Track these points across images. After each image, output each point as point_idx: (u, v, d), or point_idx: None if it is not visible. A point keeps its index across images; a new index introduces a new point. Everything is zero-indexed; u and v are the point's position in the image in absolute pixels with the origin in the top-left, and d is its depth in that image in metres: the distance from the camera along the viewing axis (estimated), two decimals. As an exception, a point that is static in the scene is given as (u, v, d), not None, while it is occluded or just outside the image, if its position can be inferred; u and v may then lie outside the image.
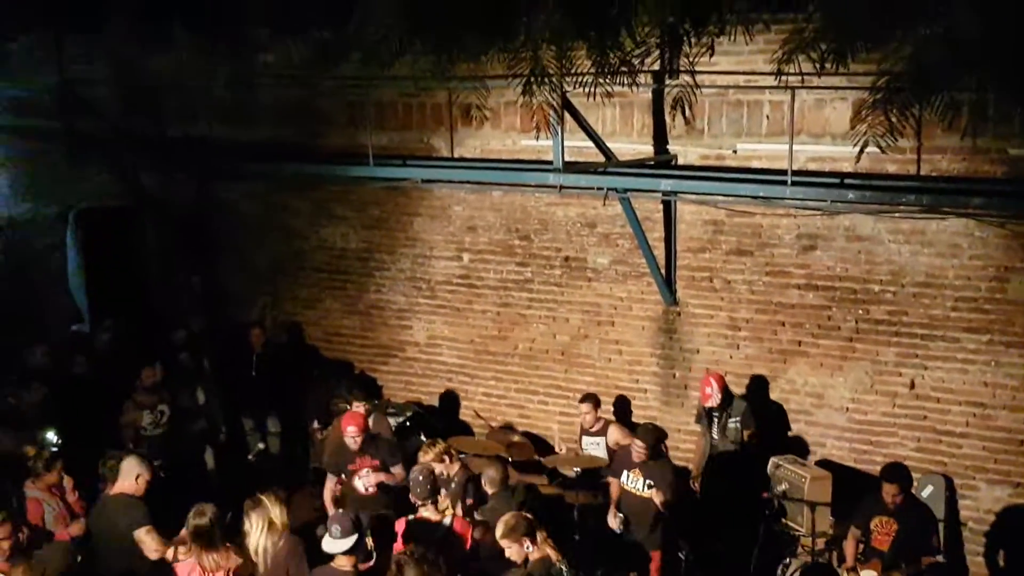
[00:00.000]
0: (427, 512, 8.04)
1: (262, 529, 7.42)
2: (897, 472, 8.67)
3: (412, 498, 8.11)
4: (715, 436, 9.90)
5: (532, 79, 6.99)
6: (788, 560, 9.72)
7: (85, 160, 12.92)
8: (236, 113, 12.28)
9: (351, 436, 9.08)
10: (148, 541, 7.78)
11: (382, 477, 9.10)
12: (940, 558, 8.67)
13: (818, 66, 6.53)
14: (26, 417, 10.31)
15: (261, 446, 10.11)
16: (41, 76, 12.84)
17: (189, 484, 9.72)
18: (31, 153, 13.08)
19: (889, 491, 8.43)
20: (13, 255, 12.90)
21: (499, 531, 7.42)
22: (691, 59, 7.14)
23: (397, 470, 9.17)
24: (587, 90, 7.22)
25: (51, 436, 9.76)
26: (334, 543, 7.14)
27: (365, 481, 9.08)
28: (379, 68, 7.30)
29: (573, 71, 7.55)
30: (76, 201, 13.42)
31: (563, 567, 7.42)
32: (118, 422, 10.56)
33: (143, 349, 11.41)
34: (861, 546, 8.77)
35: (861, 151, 6.64)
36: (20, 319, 12.30)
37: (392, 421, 10.84)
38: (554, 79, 8.44)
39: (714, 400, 9.78)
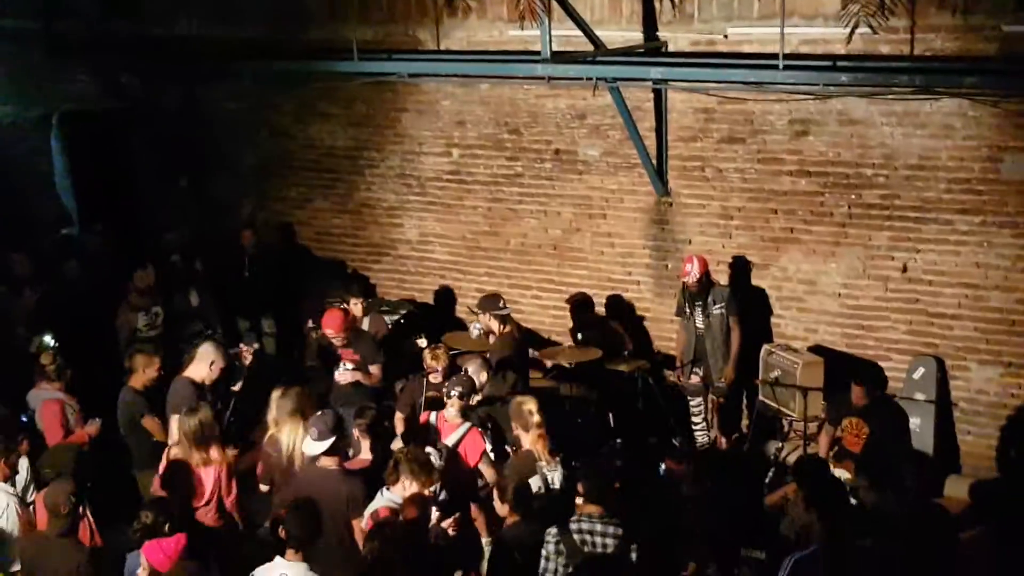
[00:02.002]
0: (452, 410, 8.03)
1: (298, 425, 7.54)
2: (865, 374, 8.80)
3: (450, 391, 8.05)
4: (699, 324, 9.92)
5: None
6: (781, 444, 9.88)
7: (66, 62, 12.70)
8: (218, 11, 12.06)
9: (331, 338, 9.14)
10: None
11: (358, 376, 9.13)
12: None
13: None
14: (18, 323, 10.39)
15: (256, 346, 10.11)
16: (18, -26, 12.54)
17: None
18: (10, 55, 12.82)
19: (858, 392, 8.47)
20: (-3, 159, 12.76)
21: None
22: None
23: (375, 369, 9.24)
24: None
25: (48, 340, 9.79)
26: (313, 445, 7.18)
27: (339, 375, 9.12)
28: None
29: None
30: (58, 104, 13.22)
31: (549, 466, 7.46)
32: (112, 324, 10.62)
33: (134, 252, 11.42)
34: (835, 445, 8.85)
35: (852, 31, 6.53)
36: (7, 224, 12.22)
37: (387, 319, 10.87)
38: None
39: (691, 278, 9.74)
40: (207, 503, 7.58)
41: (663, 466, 8.14)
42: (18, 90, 13.00)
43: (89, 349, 9.88)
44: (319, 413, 7.35)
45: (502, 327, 9.56)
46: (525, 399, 7.75)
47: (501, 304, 9.59)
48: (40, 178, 13.22)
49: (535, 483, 7.47)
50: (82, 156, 13.31)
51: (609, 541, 6.54)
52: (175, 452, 7.65)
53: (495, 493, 7.38)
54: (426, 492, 6.89)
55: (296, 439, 7.55)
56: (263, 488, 7.85)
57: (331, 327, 9.19)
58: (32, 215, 12.76)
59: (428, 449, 7.50)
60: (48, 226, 13.00)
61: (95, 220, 12.79)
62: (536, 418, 7.57)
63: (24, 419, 8.76)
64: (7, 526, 6.97)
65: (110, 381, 9.19)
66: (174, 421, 8.04)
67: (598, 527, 6.57)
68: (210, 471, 7.55)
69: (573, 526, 6.60)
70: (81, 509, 6.59)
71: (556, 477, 7.56)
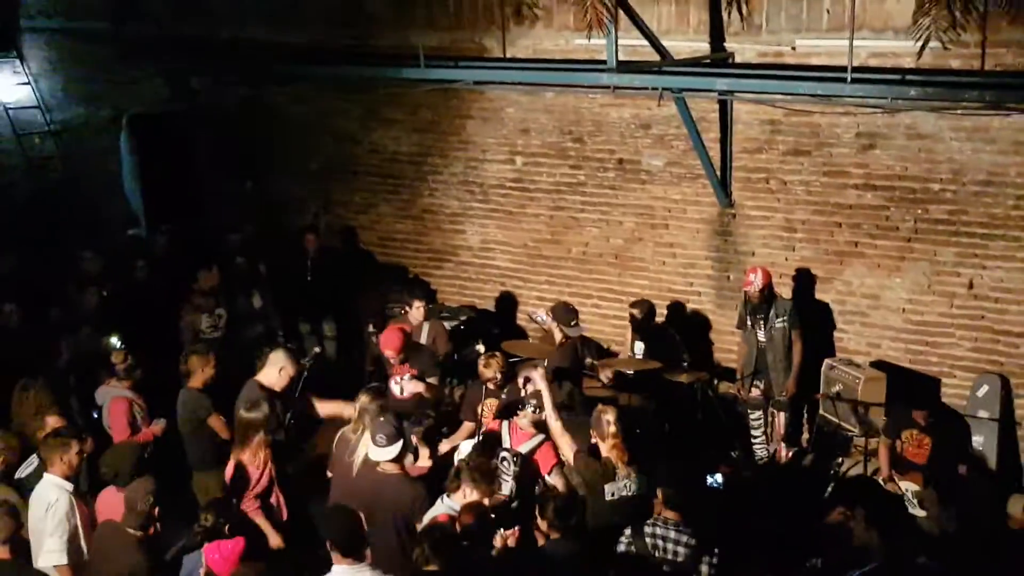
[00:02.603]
0: (526, 420, 8.03)
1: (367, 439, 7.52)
2: (927, 396, 9.10)
3: (526, 403, 8.05)
4: (761, 337, 9.85)
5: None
6: (841, 460, 9.79)
7: (136, 64, 12.93)
8: (285, 14, 12.20)
9: (389, 358, 9.18)
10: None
11: (420, 387, 9.06)
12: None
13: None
14: (82, 321, 10.53)
15: (317, 350, 10.20)
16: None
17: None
18: (82, 56, 13.10)
19: (920, 415, 8.62)
20: (69, 159, 13.00)
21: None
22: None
23: (433, 382, 9.21)
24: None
25: (115, 341, 9.90)
26: (380, 451, 7.17)
27: (403, 385, 9.11)
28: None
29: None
30: (129, 105, 13.46)
31: (624, 475, 7.43)
32: (176, 325, 10.77)
33: (199, 253, 11.53)
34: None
35: (923, 47, 6.45)
36: (77, 223, 12.44)
37: (446, 325, 10.92)
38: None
39: (753, 288, 9.65)
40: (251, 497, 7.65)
41: (717, 479, 8.12)
42: (90, 91, 13.30)
43: (154, 349, 9.89)
44: (382, 419, 7.35)
45: (564, 338, 9.57)
46: (606, 409, 7.70)
47: (573, 323, 9.51)
48: (110, 178, 13.47)
49: (609, 490, 7.48)
50: (150, 157, 13.52)
51: (681, 550, 6.51)
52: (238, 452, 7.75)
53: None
54: (486, 501, 6.89)
55: (362, 448, 7.55)
56: (329, 474, 7.91)
57: (390, 348, 9.13)
58: (101, 215, 13.02)
59: (503, 454, 7.52)
60: (117, 226, 13.24)
61: (162, 221, 12.93)
62: (613, 428, 7.54)
63: (96, 415, 8.95)
64: (54, 519, 7.02)
65: (173, 382, 9.30)
66: None
67: (672, 534, 6.56)
68: (254, 469, 7.62)
69: (647, 529, 6.60)
70: (157, 510, 6.67)
71: (631, 485, 7.51)
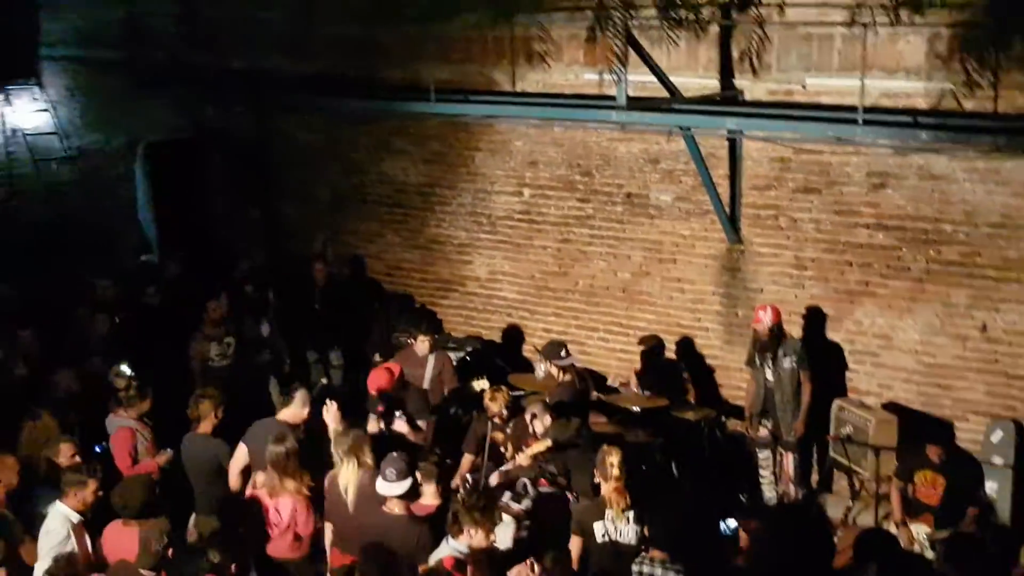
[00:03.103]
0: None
1: (352, 466, 7.51)
2: (942, 432, 8.99)
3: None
4: (769, 376, 9.73)
5: (597, 23, 6.83)
6: (852, 503, 9.68)
7: (150, 92, 12.98)
8: (297, 46, 12.27)
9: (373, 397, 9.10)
10: None
11: (405, 429, 8.95)
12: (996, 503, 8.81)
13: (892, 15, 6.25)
14: (93, 348, 10.52)
15: (324, 380, 10.18)
16: (106, 8, 12.84)
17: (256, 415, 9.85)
18: (99, 85, 13.18)
19: (935, 451, 8.54)
20: (84, 185, 13.07)
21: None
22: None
23: (422, 424, 9.12)
24: (652, 33, 7.00)
25: (124, 368, 9.88)
26: (389, 486, 7.14)
27: (395, 425, 8.97)
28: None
29: (638, 6, 7.38)
30: (143, 133, 13.54)
31: (619, 519, 7.38)
32: (185, 353, 10.73)
33: (209, 281, 11.52)
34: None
35: (939, 103, 6.38)
36: (91, 249, 12.49)
37: (452, 356, 10.88)
38: (618, 19, 8.35)
39: (763, 325, 9.56)
40: (282, 533, 7.60)
41: (731, 524, 8.04)
42: (104, 118, 13.39)
43: (164, 376, 9.91)
44: (393, 455, 7.31)
45: (562, 374, 9.52)
46: (611, 450, 7.66)
47: (563, 354, 9.55)
48: (124, 205, 13.54)
49: (599, 529, 7.43)
50: (163, 184, 13.62)
51: None
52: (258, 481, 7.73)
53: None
54: (493, 538, 6.86)
55: (351, 479, 7.51)
56: (327, 525, 7.85)
57: (376, 386, 9.08)
58: (115, 241, 13.09)
59: (522, 481, 7.58)
60: (129, 252, 13.30)
61: (174, 247, 13.01)
62: (616, 471, 7.50)
63: (99, 449, 8.85)
64: (47, 545, 7.04)
65: (183, 411, 9.26)
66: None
67: (658, 571, 6.65)
68: (288, 501, 7.57)
69: (635, 568, 6.71)
70: (171, 551, 6.65)
71: (625, 531, 7.44)
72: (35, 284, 11.49)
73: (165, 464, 8.62)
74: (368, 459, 7.57)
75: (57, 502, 7.27)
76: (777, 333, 9.66)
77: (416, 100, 10.88)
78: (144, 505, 7.11)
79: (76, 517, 7.20)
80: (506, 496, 8.01)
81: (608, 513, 7.46)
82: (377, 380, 9.10)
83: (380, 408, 8.94)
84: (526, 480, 8.16)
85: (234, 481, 8.18)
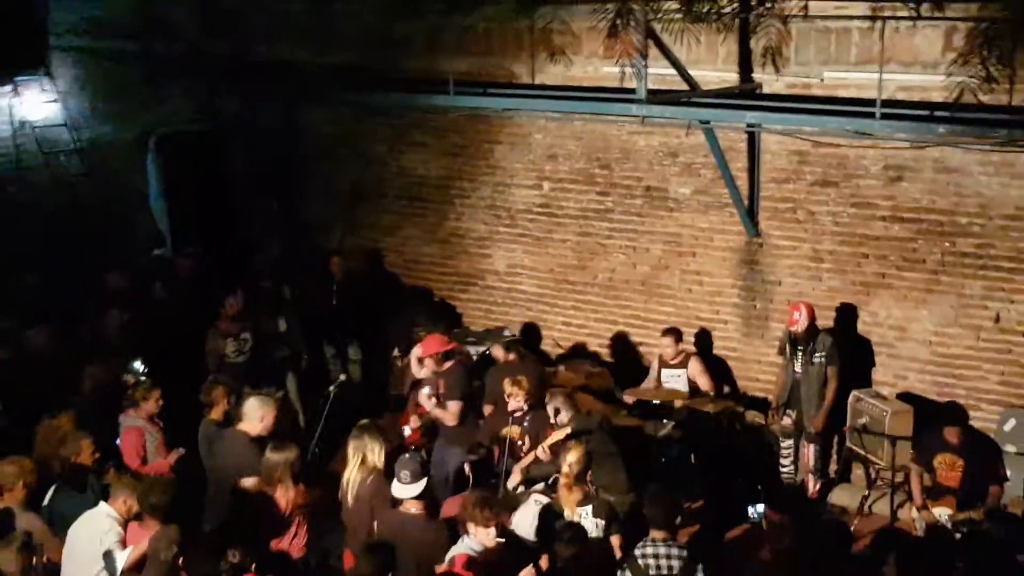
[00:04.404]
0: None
1: (356, 463, 7.56)
2: (958, 414, 9.00)
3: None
4: (798, 370, 9.85)
5: (619, 17, 6.91)
6: (868, 492, 9.78)
7: (164, 83, 13.00)
8: (317, 37, 12.26)
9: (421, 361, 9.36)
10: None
11: (433, 405, 9.14)
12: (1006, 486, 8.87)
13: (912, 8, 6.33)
14: (108, 344, 10.51)
15: (343, 377, 10.19)
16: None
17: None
18: (110, 75, 13.14)
19: (954, 433, 8.65)
20: (94, 178, 13.01)
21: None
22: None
23: (452, 406, 9.16)
24: (672, 27, 7.07)
25: (137, 365, 9.90)
26: (404, 488, 7.14)
27: (424, 400, 9.22)
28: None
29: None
30: (156, 124, 13.49)
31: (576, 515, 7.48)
32: (200, 348, 10.73)
33: (225, 275, 11.55)
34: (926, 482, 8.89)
35: (960, 95, 6.47)
36: (103, 242, 12.45)
37: (472, 350, 10.95)
38: (639, 13, 8.42)
39: (800, 325, 9.68)
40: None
41: (758, 510, 8.15)
42: (117, 110, 13.35)
43: (177, 373, 9.88)
44: (407, 456, 7.35)
45: (507, 355, 9.70)
46: (571, 447, 7.74)
47: (505, 333, 9.79)
48: (136, 197, 13.50)
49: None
50: (177, 177, 13.55)
51: (675, 563, 6.67)
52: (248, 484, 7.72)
53: None
54: (493, 530, 6.85)
55: (352, 477, 7.56)
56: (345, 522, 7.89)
57: (425, 350, 9.29)
58: (127, 234, 13.04)
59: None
60: (142, 246, 13.23)
61: (188, 241, 12.99)
62: (566, 468, 7.57)
63: (118, 443, 8.84)
64: (104, 548, 7.09)
65: (197, 407, 9.24)
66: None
67: (662, 550, 6.72)
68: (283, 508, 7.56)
69: (638, 551, 6.75)
70: (181, 560, 6.59)
71: (586, 525, 7.39)
72: (46, 278, 11.46)
73: (176, 464, 8.63)
74: (374, 459, 7.59)
75: (103, 504, 7.29)
76: (811, 330, 9.78)
77: (435, 93, 10.93)
78: (170, 506, 7.11)
79: (121, 520, 7.24)
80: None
81: (565, 510, 7.55)
82: (430, 344, 9.32)
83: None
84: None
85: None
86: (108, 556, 7.04)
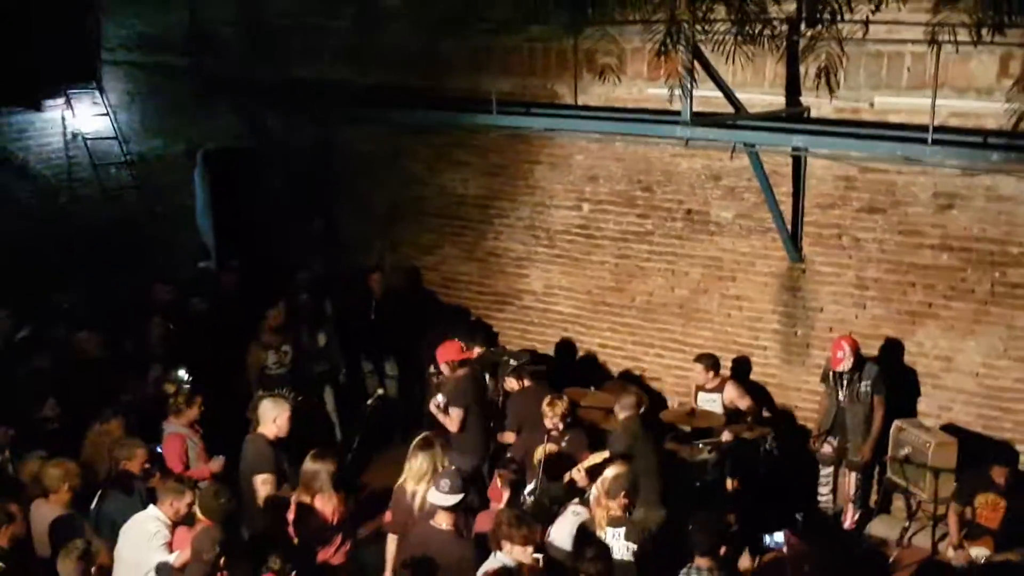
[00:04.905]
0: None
1: (423, 474, 7.60)
2: (1009, 454, 8.88)
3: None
4: (842, 398, 9.71)
5: (668, 38, 6.83)
6: (908, 524, 9.60)
7: (212, 99, 13.10)
8: (359, 56, 12.30)
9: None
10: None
11: (434, 411, 9.41)
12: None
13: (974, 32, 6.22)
14: (151, 354, 10.60)
15: (380, 391, 10.21)
16: (170, 13, 12.99)
17: (310, 423, 9.90)
18: (160, 90, 13.28)
19: (1001, 473, 8.48)
20: (144, 191, 13.17)
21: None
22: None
23: (454, 413, 9.39)
24: (723, 49, 6.99)
25: (182, 373, 9.95)
26: (441, 497, 7.18)
27: (433, 408, 9.48)
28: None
29: (707, 20, 7.35)
30: (203, 140, 13.63)
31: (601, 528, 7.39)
32: (241, 361, 10.84)
33: (267, 289, 11.61)
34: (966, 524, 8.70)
35: (1018, 123, 6.36)
36: (150, 255, 12.59)
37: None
38: (687, 32, 8.35)
39: (845, 365, 9.57)
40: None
41: (778, 538, 8.03)
42: (167, 124, 13.47)
43: (219, 384, 10.00)
44: (452, 468, 7.40)
45: (520, 383, 9.84)
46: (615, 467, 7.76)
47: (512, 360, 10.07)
48: (183, 211, 13.64)
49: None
50: (223, 192, 13.70)
51: None
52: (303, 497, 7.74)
53: None
54: (531, 547, 6.83)
55: (423, 492, 7.60)
56: (391, 535, 7.89)
57: (440, 355, 9.56)
58: (174, 247, 13.17)
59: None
60: (188, 259, 13.37)
61: (232, 255, 13.10)
62: (599, 488, 7.59)
63: (160, 450, 8.95)
64: (156, 548, 7.18)
65: (240, 417, 9.35)
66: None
67: None
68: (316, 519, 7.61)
69: (683, 574, 6.68)
70: (223, 560, 6.69)
71: (616, 547, 7.35)
72: (95, 288, 11.58)
73: (219, 470, 8.68)
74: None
75: (152, 507, 7.43)
76: (857, 363, 9.63)
77: (477, 112, 10.92)
78: (228, 510, 7.26)
79: (168, 522, 7.35)
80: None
81: (596, 529, 7.51)
82: (446, 350, 9.61)
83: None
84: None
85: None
86: (159, 562, 7.11)
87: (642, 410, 9.15)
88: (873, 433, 9.64)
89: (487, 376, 10.30)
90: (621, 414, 9.00)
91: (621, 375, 11.58)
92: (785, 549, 8.04)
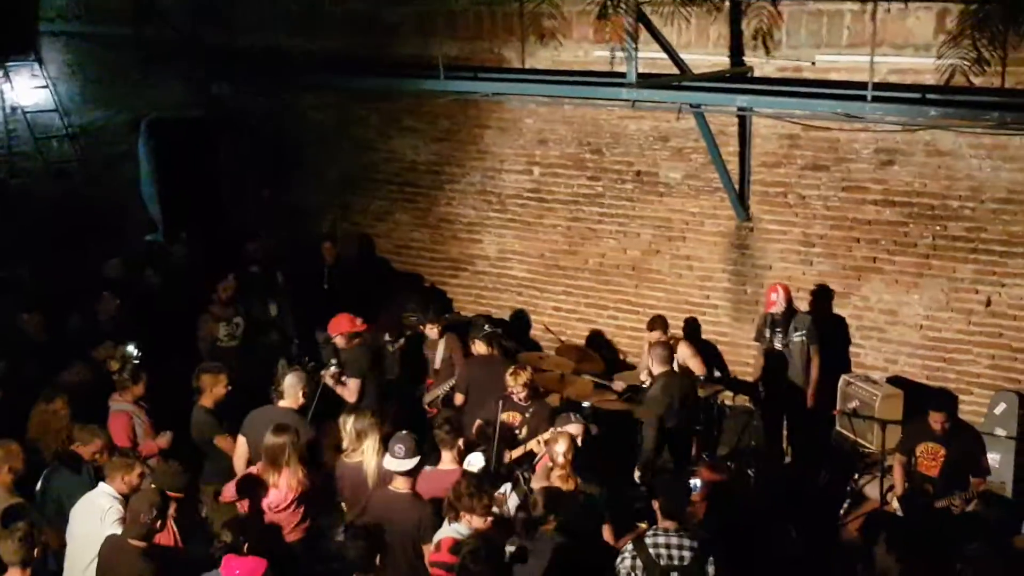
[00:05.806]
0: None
1: (376, 450, 7.61)
2: (945, 400, 8.87)
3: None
4: (778, 346, 9.88)
5: (608, 1, 6.86)
6: (857, 477, 9.76)
7: (156, 69, 12.96)
8: (305, 22, 12.24)
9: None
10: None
11: (331, 383, 9.44)
12: (988, 479, 8.72)
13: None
14: (102, 329, 10.49)
15: (334, 361, 10.17)
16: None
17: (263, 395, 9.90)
18: (101, 60, 13.10)
19: (938, 419, 8.46)
20: (86, 163, 13.00)
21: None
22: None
23: (351, 384, 9.46)
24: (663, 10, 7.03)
25: (131, 349, 9.88)
26: (397, 463, 7.16)
27: (328, 379, 9.44)
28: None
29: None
30: (148, 110, 13.48)
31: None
32: (192, 333, 10.74)
33: (216, 261, 11.56)
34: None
35: (951, 77, 6.45)
36: (95, 228, 12.43)
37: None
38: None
39: (778, 307, 9.78)
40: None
41: (696, 481, 8.18)
42: (109, 95, 13.32)
43: (169, 358, 9.92)
44: (403, 432, 7.35)
45: (489, 350, 9.79)
46: (558, 437, 7.67)
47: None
48: (128, 183, 13.48)
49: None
50: (169, 163, 13.54)
51: (686, 553, 6.61)
52: (255, 469, 7.73)
53: None
54: (488, 519, 6.85)
55: (373, 459, 7.60)
56: (343, 505, 7.94)
57: (332, 328, 9.68)
58: (119, 220, 13.02)
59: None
60: (135, 232, 13.23)
61: (180, 227, 12.97)
62: (560, 459, 7.53)
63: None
64: (110, 524, 7.10)
65: (190, 391, 9.27)
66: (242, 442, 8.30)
67: (674, 540, 6.66)
68: (281, 493, 7.57)
69: (648, 540, 6.69)
70: (160, 523, 6.69)
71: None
72: (36, 265, 11.44)
73: (166, 446, 8.62)
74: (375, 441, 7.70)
75: (101, 484, 7.34)
76: (788, 310, 9.81)
77: (425, 77, 10.89)
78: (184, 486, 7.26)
79: (120, 498, 7.25)
80: (506, 487, 7.93)
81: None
82: (337, 324, 9.64)
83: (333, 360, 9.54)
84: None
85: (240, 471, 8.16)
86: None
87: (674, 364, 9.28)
88: (812, 381, 9.83)
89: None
90: (657, 368, 9.06)
91: (575, 338, 11.66)
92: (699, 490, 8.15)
